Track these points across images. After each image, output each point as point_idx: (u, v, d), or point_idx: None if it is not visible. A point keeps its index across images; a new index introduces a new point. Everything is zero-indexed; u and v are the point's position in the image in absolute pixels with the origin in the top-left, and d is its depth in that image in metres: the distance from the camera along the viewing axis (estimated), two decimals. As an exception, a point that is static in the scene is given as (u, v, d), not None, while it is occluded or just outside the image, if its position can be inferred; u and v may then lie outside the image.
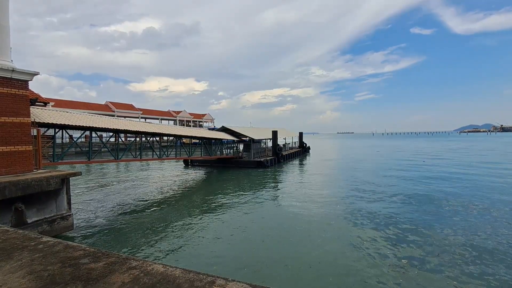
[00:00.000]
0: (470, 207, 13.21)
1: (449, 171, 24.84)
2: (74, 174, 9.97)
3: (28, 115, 9.43)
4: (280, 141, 38.23)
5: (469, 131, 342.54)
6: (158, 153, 20.68)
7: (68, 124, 13.76)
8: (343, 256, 8.29)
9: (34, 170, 9.76)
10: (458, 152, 47.67)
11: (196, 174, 25.56)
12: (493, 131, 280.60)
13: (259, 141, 33.81)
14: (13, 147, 8.90)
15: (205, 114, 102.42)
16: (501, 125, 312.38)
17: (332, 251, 8.66)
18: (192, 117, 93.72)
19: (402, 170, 26.14)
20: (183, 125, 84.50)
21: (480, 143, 78.49)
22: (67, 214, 9.66)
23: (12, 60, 9.30)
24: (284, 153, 35.44)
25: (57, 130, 14.44)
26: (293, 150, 42.06)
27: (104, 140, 18.63)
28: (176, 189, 18.82)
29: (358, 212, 12.66)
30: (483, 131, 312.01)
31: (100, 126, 15.53)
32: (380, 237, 9.65)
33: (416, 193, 16.39)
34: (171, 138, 23.79)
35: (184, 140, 29.57)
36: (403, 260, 7.86)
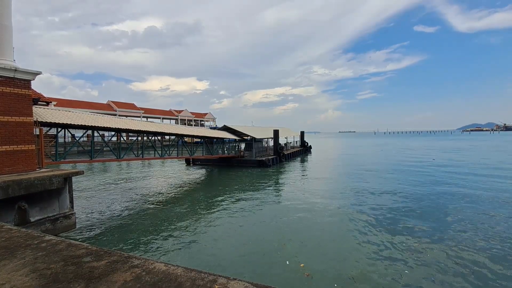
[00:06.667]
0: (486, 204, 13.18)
1: (461, 170, 24.69)
2: (77, 173, 10.02)
3: (31, 115, 9.47)
4: (282, 140, 38.19)
5: (471, 130, 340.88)
6: (160, 152, 20.73)
7: (71, 124, 13.81)
8: (355, 250, 8.42)
9: (37, 169, 9.81)
10: (464, 150, 47.47)
11: (197, 173, 25.61)
12: (496, 130, 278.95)
13: (260, 140, 33.79)
14: (16, 146, 8.95)
15: (207, 113, 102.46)
16: (504, 124, 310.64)
17: (340, 244, 8.82)
18: (194, 116, 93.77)
19: (409, 170, 25.94)
20: (185, 124, 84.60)
21: (488, 141, 78.11)
22: (69, 213, 9.71)
23: (14, 60, 9.34)
24: (285, 152, 35.41)
25: (59, 129, 14.51)
26: (295, 149, 42.01)
27: (106, 139, 18.69)
28: (178, 188, 18.86)
29: (362, 210, 12.67)
30: (486, 130, 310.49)
31: (102, 126, 15.58)
32: (374, 226, 9.72)
33: (422, 191, 16.35)
34: (172, 137, 23.83)
35: (185, 139, 29.61)
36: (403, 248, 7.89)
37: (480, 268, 7.33)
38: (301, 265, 7.47)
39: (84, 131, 16.61)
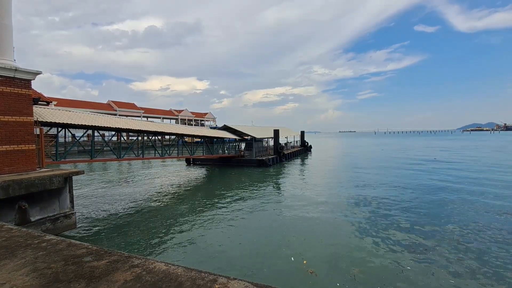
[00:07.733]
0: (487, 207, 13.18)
1: (463, 172, 24.66)
2: (77, 173, 10.01)
3: (31, 114, 9.47)
4: (282, 140, 38.19)
5: (472, 130, 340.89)
6: (160, 151, 20.73)
7: (71, 123, 13.81)
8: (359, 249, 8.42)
9: (37, 169, 9.82)
10: (465, 150, 47.47)
11: (198, 173, 25.61)
12: (496, 130, 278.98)
13: (260, 139, 33.78)
14: (16, 146, 8.95)
15: (207, 113, 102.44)
16: (505, 124, 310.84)
17: (343, 245, 8.76)
18: (194, 116, 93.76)
19: (411, 170, 25.93)
20: (185, 124, 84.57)
21: (488, 142, 78.05)
22: (70, 212, 9.71)
23: (15, 60, 9.34)
24: (285, 152, 35.40)
25: (59, 129, 14.51)
26: (295, 149, 42.02)
27: (106, 139, 18.69)
28: (178, 187, 18.86)
29: (364, 209, 12.67)
30: (486, 130, 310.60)
31: (102, 125, 15.58)
32: (371, 225, 9.71)
33: (424, 191, 16.34)
34: (173, 137, 23.84)
35: (186, 139, 29.60)
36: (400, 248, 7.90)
37: (481, 271, 7.33)
38: (304, 261, 7.59)
39: (85, 130, 16.61)
